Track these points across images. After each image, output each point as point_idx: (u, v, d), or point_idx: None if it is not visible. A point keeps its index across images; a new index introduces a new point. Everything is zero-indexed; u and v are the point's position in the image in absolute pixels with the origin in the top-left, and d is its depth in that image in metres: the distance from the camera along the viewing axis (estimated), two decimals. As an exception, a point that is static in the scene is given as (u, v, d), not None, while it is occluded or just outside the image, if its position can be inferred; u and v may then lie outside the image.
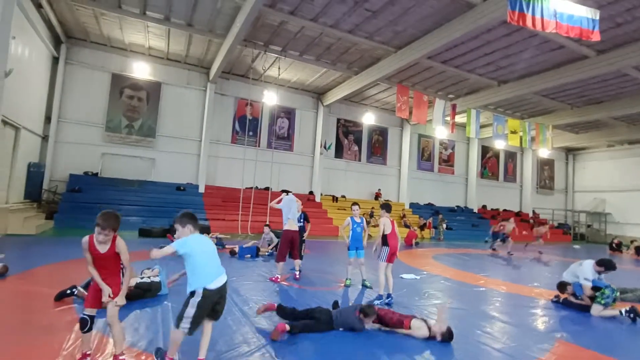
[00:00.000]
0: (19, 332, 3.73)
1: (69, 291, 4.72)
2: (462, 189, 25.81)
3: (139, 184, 15.87)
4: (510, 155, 27.86)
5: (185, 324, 2.93)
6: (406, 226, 18.66)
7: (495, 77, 16.73)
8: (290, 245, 7.05)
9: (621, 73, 15.15)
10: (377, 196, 21.83)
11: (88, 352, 3.15)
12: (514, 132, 18.75)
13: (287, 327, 4.03)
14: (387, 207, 6.20)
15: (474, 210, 25.00)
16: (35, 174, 13.87)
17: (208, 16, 13.15)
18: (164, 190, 16.27)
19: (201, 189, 17.15)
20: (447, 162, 25.12)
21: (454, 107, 17.09)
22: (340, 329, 4.34)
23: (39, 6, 12.47)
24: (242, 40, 13.74)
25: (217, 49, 15.52)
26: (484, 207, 25.95)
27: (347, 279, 6.93)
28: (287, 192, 8.05)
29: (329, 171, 20.92)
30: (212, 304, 3.05)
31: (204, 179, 17.41)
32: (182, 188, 16.71)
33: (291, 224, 7.10)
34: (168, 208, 15.05)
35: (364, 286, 6.83)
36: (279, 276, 6.86)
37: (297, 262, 7.17)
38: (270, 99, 18.61)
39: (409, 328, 4.30)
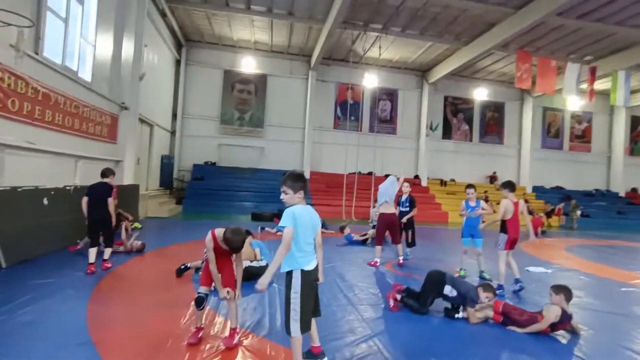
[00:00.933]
0: (148, 305, 4.05)
1: (182, 267, 5.15)
2: (602, 170, 21.64)
3: (251, 171, 17.00)
4: (672, 126, 22.29)
5: (295, 327, 2.57)
6: (530, 213, 16.33)
7: (655, 26, 13.31)
8: (387, 229, 6.70)
9: None
10: (493, 179, 19.63)
11: (201, 327, 3.28)
12: (680, 95, 14.81)
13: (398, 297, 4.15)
14: (510, 185, 5.26)
15: (620, 195, 20.78)
16: (167, 165, 15.86)
17: (307, 3, 13.16)
18: (272, 177, 17.10)
19: (306, 175, 17.55)
20: (582, 138, 21.26)
21: (592, 70, 14.22)
22: (449, 290, 4.04)
23: (163, 15, 14.01)
24: (341, 22, 13.43)
25: (317, 35, 15.52)
26: (634, 190, 21.35)
27: (461, 269, 6.16)
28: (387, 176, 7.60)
29: (436, 153, 19.51)
30: (314, 291, 2.70)
31: (309, 165, 17.83)
32: (288, 175, 17.37)
33: (386, 207, 6.63)
34: (277, 193, 15.58)
35: (482, 278, 6.00)
36: (377, 260, 6.49)
37: (399, 247, 6.75)
38: (370, 81, 18.09)
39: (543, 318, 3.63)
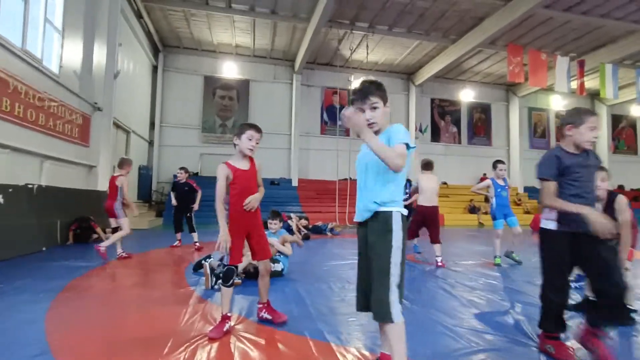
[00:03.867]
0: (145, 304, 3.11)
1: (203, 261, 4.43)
2: (588, 168, 21.70)
3: (235, 181, 16.00)
4: (652, 123, 22.79)
5: (397, 306, 1.72)
6: (527, 212, 16.01)
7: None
8: (421, 224, 5.70)
9: None
10: (483, 181, 19.28)
11: (228, 315, 2.64)
12: (665, 88, 14.97)
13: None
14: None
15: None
16: (144, 176, 14.69)
17: (292, 0, 12.63)
18: (259, 186, 16.19)
19: (294, 183, 16.75)
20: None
21: (581, 64, 14.20)
22: None
23: (139, 16, 13.15)
24: (327, 21, 12.94)
25: (301, 36, 14.97)
26: (621, 187, 21.48)
27: (496, 257, 5.43)
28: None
29: (426, 156, 19.02)
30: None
31: (297, 172, 17.00)
32: (276, 182, 16.49)
33: (426, 199, 5.62)
34: (264, 202, 14.74)
35: (511, 259, 5.35)
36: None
37: (437, 246, 5.51)
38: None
39: None
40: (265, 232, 3.11)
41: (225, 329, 2.54)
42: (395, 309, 1.70)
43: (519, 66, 13.24)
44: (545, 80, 13.68)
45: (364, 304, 1.88)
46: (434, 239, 5.52)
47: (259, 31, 14.91)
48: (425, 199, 5.60)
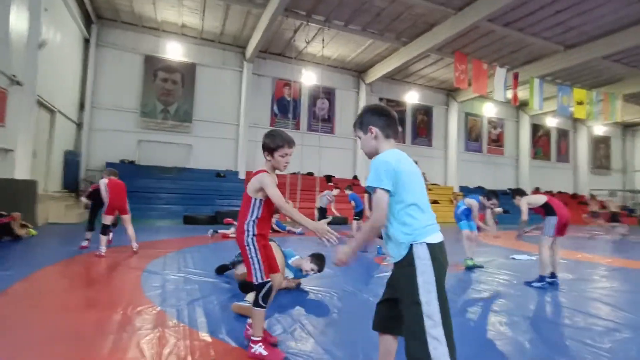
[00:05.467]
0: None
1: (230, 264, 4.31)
2: (512, 171, 23.91)
3: (177, 171, 14.94)
4: (563, 134, 25.73)
5: (440, 350, 1.43)
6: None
7: (562, 40, 14.95)
8: None
9: None
10: (423, 181, 20.31)
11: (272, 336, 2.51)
12: (580, 104, 16.91)
13: None
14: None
15: (527, 193, 23.10)
16: (71, 162, 13.08)
17: (249, -18, 12.01)
18: (203, 177, 15.30)
19: (242, 176, 16.10)
20: (497, 142, 23.29)
21: (515, 76, 15.46)
22: None
23: (69, -21, 11.57)
24: (284, 9, 12.54)
25: (254, 23, 14.34)
26: (537, 189, 24.00)
27: (468, 260, 5.61)
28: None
29: (373, 155, 19.52)
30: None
31: (244, 164, 16.35)
32: (222, 175, 15.71)
33: None
34: (209, 195, 14.24)
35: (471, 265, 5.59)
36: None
37: None
38: (308, 78, 17.48)
39: None
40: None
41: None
42: (435, 355, 1.43)
43: (464, 73, 14.03)
44: (486, 88, 14.67)
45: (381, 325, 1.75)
46: None
47: (210, 12, 13.98)
48: None
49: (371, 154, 1.78)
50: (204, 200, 13.91)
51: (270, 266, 2.41)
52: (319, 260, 4.00)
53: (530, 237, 5.01)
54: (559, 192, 24.35)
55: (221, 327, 2.76)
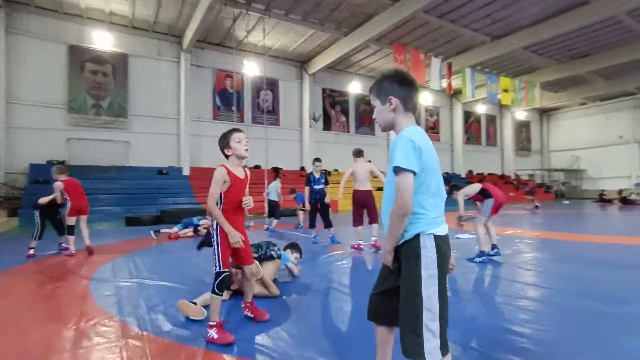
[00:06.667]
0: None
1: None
2: (448, 156, 25.54)
3: (115, 170, 13.98)
4: (491, 119, 27.91)
5: (432, 343, 1.43)
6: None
7: (490, 32, 16.13)
8: (364, 208, 6.02)
9: (614, 20, 15.03)
10: (369, 168, 20.98)
11: (225, 321, 2.62)
12: (505, 91, 18.42)
13: None
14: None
15: (462, 176, 24.87)
16: (-13, 166, 11.70)
17: (183, -33, 11.41)
18: (144, 176, 14.48)
19: (185, 172, 15.48)
20: (434, 129, 24.65)
21: (449, 65, 16.41)
22: None
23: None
24: (221, -3, 12.13)
25: (191, 11, 13.70)
26: (470, 172, 25.91)
27: None
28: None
29: (319, 144, 19.76)
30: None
31: (188, 160, 15.72)
32: (164, 172, 14.97)
33: (361, 184, 6.00)
34: (151, 194, 13.55)
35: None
36: (361, 242, 6.04)
37: (374, 226, 6.02)
38: (250, 69, 17.11)
39: None
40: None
41: (244, 314, 2.76)
42: (431, 346, 1.43)
43: (402, 64, 14.60)
44: (423, 79, 15.42)
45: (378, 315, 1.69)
46: (373, 220, 5.99)
47: (140, 0, 13.09)
48: (361, 184, 5.96)
49: (386, 128, 1.67)
50: (146, 200, 13.21)
51: (239, 258, 2.66)
52: (295, 248, 4.36)
53: (471, 220, 5.43)
54: (489, 174, 26.48)
55: (188, 332, 2.70)
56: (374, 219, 6.01)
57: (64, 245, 6.03)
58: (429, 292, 1.45)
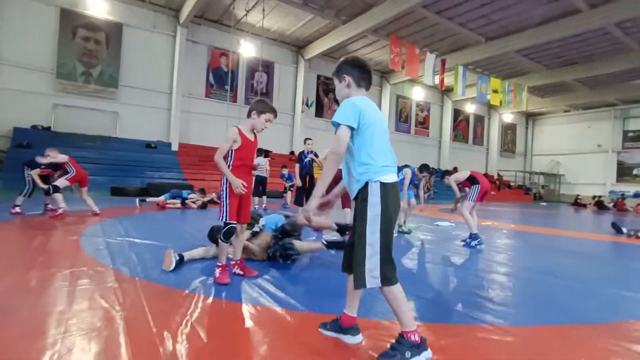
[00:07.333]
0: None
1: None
2: (435, 152, 26.00)
3: (101, 140, 13.84)
4: (479, 119, 28.42)
5: (374, 273, 1.68)
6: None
7: (484, 32, 16.39)
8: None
9: (603, 32, 15.47)
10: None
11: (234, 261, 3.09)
12: (495, 92, 18.81)
13: None
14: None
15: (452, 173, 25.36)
16: (-30, 125, 11.46)
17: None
18: (131, 148, 14.37)
19: (174, 147, 15.42)
20: (423, 124, 25.00)
21: (443, 62, 16.64)
22: None
23: None
24: (223, -27, 12.01)
25: (190, -16, 13.53)
26: (455, 169, 26.41)
27: (403, 226, 6.19)
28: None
29: (310, 130, 19.77)
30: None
31: (177, 136, 15.65)
32: (152, 145, 14.88)
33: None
34: (138, 167, 13.44)
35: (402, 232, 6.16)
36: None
37: (346, 211, 5.80)
38: (247, 49, 17.01)
39: None
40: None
41: (234, 272, 3.01)
42: (370, 276, 1.68)
43: (398, 56, 14.77)
44: (417, 73, 15.63)
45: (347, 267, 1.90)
46: (346, 204, 5.95)
47: (139, -32, 12.87)
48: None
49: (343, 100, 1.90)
50: (132, 172, 13.13)
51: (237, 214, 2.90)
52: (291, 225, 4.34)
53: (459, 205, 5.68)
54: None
55: (179, 277, 2.88)
56: (347, 202, 5.81)
57: (50, 206, 6.12)
58: (372, 230, 1.70)
